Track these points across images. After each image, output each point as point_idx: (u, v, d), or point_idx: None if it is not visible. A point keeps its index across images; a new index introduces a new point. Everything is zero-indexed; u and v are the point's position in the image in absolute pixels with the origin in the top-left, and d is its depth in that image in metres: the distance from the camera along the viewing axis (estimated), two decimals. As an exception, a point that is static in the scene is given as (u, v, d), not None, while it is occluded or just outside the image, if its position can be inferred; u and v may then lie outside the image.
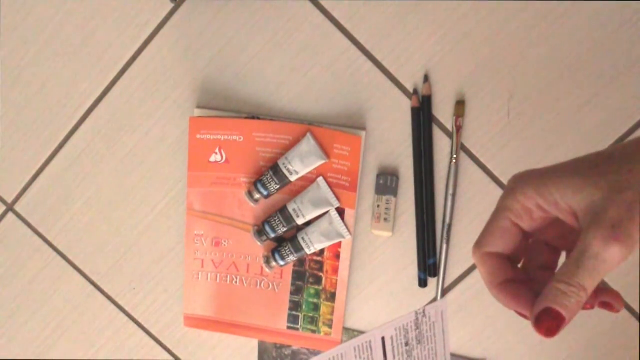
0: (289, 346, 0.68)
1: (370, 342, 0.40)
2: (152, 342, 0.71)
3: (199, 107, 0.66)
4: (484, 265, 0.38)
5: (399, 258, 0.65)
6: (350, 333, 0.66)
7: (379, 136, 0.64)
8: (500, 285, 0.38)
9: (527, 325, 0.64)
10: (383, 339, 0.40)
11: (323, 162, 0.63)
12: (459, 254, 0.64)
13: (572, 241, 0.39)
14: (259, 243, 0.65)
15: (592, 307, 0.39)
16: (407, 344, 0.40)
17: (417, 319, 0.40)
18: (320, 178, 0.63)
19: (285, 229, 0.64)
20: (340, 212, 0.64)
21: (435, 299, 0.65)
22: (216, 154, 0.65)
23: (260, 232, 0.64)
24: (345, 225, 0.64)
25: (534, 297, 0.36)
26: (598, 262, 0.33)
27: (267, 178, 0.63)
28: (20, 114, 0.68)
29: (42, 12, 0.66)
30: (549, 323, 0.35)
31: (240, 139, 0.64)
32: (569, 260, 0.34)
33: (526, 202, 0.36)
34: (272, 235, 0.64)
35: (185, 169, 0.67)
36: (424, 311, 0.40)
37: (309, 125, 0.63)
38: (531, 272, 0.40)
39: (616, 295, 0.39)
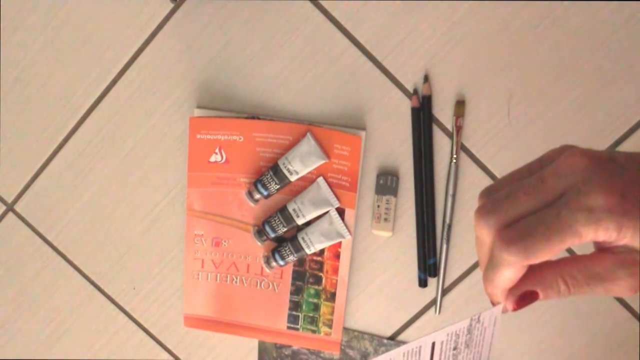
0: (289, 346, 0.68)
1: (420, 347, 0.38)
2: (152, 342, 0.71)
3: (199, 107, 0.66)
4: (515, 272, 0.34)
5: (399, 258, 0.65)
6: (350, 333, 0.66)
7: (379, 136, 0.64)
8: (510, 291, 0.35)
9: (527, 325, 0.64)
10: (433, 343, 0.38)
11: (323, 162, 0.63)
12: (459, 254, 0.64)
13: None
14: (259, 243, 0.65)
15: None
16: (455, 348, 0.39)
17: (471, 324, 0.38)
18: (320, 178, 0.63)
19: (285, 229, 0.64)
20: (340, 212, 0.64)
21: (436, 299, 0.65)
22: (216, 154, 0.65)
23: (260, 232, 0.64)
24: (345, 225, 0.64)
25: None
26: (604, 291, 0.33)
27: (267, 178, 0.63)
28: (20, 114, 0.68)
29: (42, 12, 0.66)
30: (525, 303, 0.35)
31: (240, 139, 0.64)
32: (585, 269, 0.33)
33: (603, 236, 0.31)
34: (272, 235, 0.64)
35: (185, 169, 0.67)
36: (478, 317, 0.38)
37: (309, 125, 0.63)
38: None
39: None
